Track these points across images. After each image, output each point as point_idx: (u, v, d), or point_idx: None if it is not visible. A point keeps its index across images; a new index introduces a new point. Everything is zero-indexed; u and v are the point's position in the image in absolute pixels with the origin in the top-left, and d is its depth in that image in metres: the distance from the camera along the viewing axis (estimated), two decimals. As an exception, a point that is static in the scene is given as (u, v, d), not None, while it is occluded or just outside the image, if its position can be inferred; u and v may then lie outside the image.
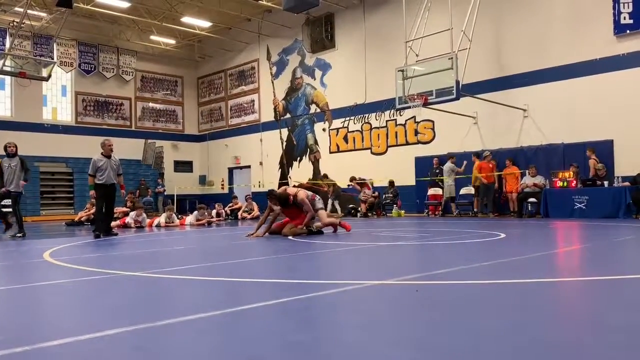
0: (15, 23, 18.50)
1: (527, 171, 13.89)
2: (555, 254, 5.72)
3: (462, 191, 15.27)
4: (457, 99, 13.06)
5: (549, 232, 8.80)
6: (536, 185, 13.53)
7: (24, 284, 4.32)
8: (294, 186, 9.55)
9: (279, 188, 21.65)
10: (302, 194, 8.43)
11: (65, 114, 22.99)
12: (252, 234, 8.50)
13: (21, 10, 17.49)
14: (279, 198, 8.36)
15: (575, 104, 13.81)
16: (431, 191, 16.10)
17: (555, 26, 14.25)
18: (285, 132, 22.35)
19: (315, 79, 21.02)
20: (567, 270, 4.60)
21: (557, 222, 10.89)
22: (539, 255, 5.34)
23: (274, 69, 22.77)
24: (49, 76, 18.50)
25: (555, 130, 14.13)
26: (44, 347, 2.22)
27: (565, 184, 12.85)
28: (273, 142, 22.79)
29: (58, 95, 22.88)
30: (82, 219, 15.03)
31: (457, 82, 12.79)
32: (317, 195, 8.99)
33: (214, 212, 15.48)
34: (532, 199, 13.51)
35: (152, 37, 23.48)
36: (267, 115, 23.16)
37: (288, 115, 22.22)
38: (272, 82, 22.85)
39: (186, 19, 21.23)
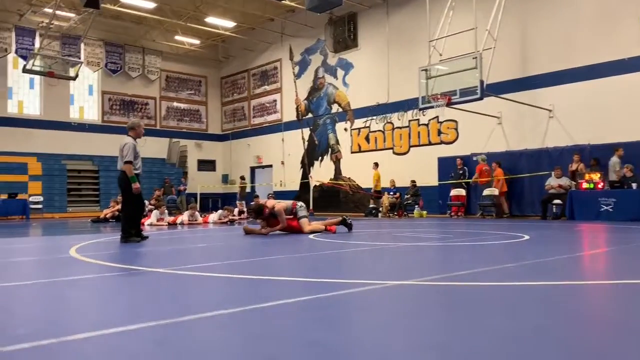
0: (44, 23, 18.93)
1: (552, 172, 13.68)
2: (581, 256, 5.62)
3: (485, 192, 15.10)
4: (481, 99, 12.92)
5: (575, 235, 8.65)
6: (561, 187, 13.31)
7: (50, 278, 4.41)
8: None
9: (300, 188, 21.93)
10: (279, 205, 8.93)
11: (91, 113, 23.43)
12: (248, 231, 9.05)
13: (50, 11, 17.88)
14: (254, 209, 9.02)
15: (602, 105, 13.54)
16: (454, 192, 15.96)
17: (582, 25, 14.00)
18: (306, 131, 22.39)
19: (337, 79, 21.02)
20: (593, 273, 4.51)
21: (583, 225, 10.69)
22: (563, 258, 5.26)
23: (297, 68, 22.83)
24: (77, 76, 18.90)
25: (581, 131, 13.88)
26: (69, 340, 2.26)
27: (591, 185, 12.61)
28: (295, 142, 22.86)
29: (85, 94, 23.33)
30: (107, 216, 15.29)
31: (482, 82, 12.65)
32: (298, 203, 9.27)
33: (236, 210, 15.60)
34: (557, 201, 13.29)
35: (177, 37, 23.77)
36: (289, 115, 23.23)
37: (310, 115, 22.25)
38: (295, 82, 22.92)
39: (210, 19, 21.43)
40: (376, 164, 17.88)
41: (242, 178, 23.17)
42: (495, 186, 14.79)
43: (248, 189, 24.29)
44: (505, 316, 2.71)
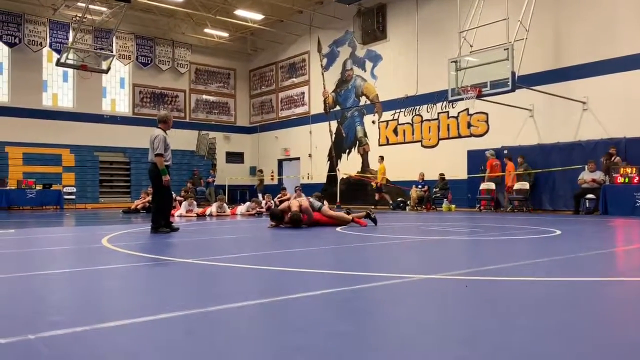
0: (77, 18, 19.30)
1: (585, 166, 13.35)
2: (614, 252, 5.48)
3: (517, 186, 14.85)
4: (512, 90, 12.68)
5: (608, 230, 8.44)
6: (595, 181, 12.99)
7: (84, 267, 4.52)
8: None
9: (327, 181, 21.94)
10: (305, 203, 8.97)
11: (123, 106, 23.85)
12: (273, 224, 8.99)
13: (83, 5, 18.21)
14: (275, 216, 8.91)
15: (639, 97, 13.11)
16: (483, 185, 15.73)
17: (620, 15, 13.57)
18: (334, 124, 22.35)
19: (365, 71, 20.89)
20: (625, 270, 4.39)
21: (617, 220, 10.42)
22: (596, 254, 5.14)
23: (325, 60, 22.77)
24: (109, 69, 19.22)
25: (617, 124, 13.49)
26: (101, 327, 2.32)
27: (626, 180, 12.26)
28: (322, 135, 22.84)
29: (117, 87, 23.75)
30: (137, 207, 15.56)
31: (513, 74, 12.41)
32: (310, 198, 9.46)
33: (263, 202, 15.70)
34: (590, 195, 12.98)
35: (206, 30, 23.96)
36: (317, 108, 23.21)
37: (337, 108, 22.19)
38: (322, 74, 22.87)
39: (239, 12, 21.53)
40: (381, 158, 18.54)
41: (260, 171, 23.39)
42: (508, 181, 15.00)
43: (275, 181, 24.46)
44: (535, 312, 2.66)
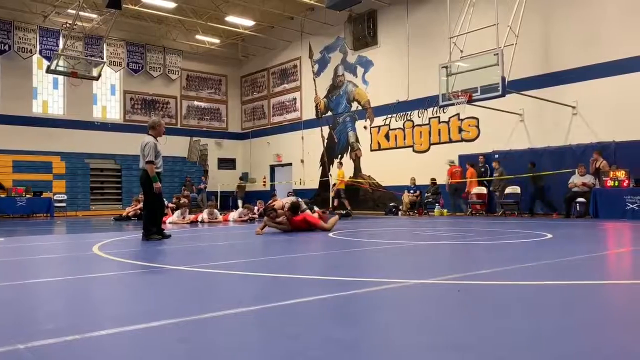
0: (68, 24, 19.24)
1: (575, 170, 13.44)
2: (605, 255, 5.52)
3: (508, 190, 14.92)
4: (502, 95, 12.75)
5: (599, 234, 8.49)
6: (585, 185, 13.07)
7: (75, 275, 4.48)
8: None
9: (319, 186, 21.92)
10: (282, 202, 9.38)
11: (114, 112, 23.73)
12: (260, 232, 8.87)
13: (74, 12, 18.16)
14: (272, 209, 9.00)
15: (628, 101, 13.24)
16: (475, 190, 15.81)
17: (609, 20, 13.71)
18: (326, 129, 22.37)
19: (357, 77, 20.95)
20: (617, 273, 4.42)
21: (608, 223, 10.49)
22: (587, 257, 5.17)
23: (316, 66, 22.81)
24: (99, 75, 19.15)
25: (606, 128, 13.60)
26: (92, 336, 2.30)
27: (616, 183, 12.35)
28: (314, 140, 22.85)
29: (107, 94, 23.64)
30: (129, 214, 15.48)
31: (503, 79, 12.48)
32: (299, 199, 9.82)
33: (255, 208, 15.67)
34: (580, 199, 13.07)
35: (197, 37, 23.94)
36: (309, 113, 23.24)
37: (329, 113, 22.22)
38: (314, 80, 22.91)
39: (230, 18, 21.53)
40: (340, 164, 20.02)
41: (241, 178, 23.31)
42: (469, 187, 15.83)
43: (267, 187, 24.42)
44: (528, 316, 2.67)
